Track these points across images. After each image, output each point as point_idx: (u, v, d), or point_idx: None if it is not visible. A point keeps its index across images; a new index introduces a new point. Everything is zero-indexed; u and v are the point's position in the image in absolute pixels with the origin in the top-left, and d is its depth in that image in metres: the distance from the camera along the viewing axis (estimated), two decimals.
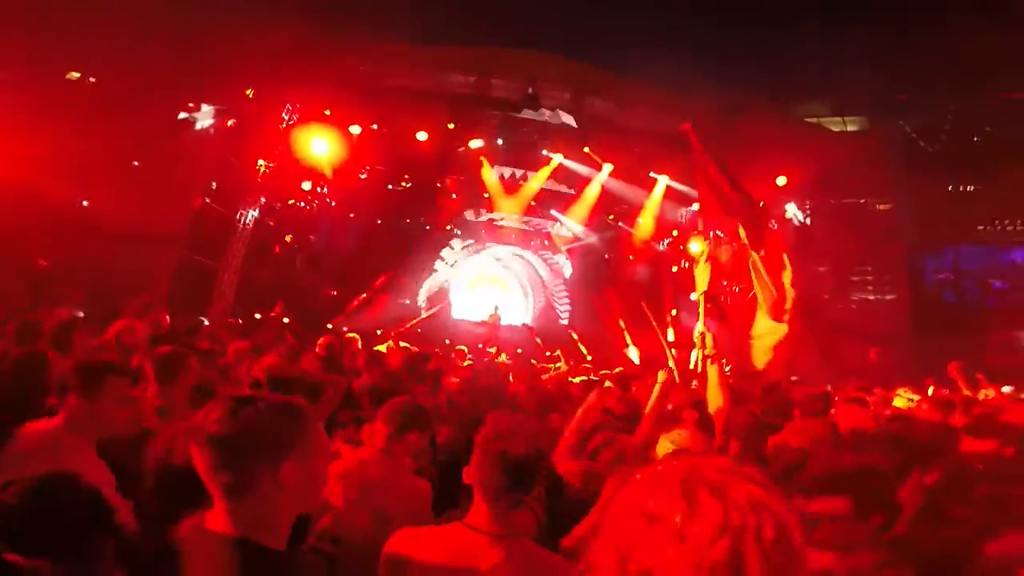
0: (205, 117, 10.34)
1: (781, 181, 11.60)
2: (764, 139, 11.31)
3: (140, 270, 8.32)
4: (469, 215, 14.00)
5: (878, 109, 12.52)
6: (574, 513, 2.06)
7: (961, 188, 12.83)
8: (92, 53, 7.97)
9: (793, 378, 8.88)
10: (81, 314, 5.14)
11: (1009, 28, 9.61)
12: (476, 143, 11.88)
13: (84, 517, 1.18)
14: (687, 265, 13.66)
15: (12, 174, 6.63)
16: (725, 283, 11.89)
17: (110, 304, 5.79)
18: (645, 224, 12.79)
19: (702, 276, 3.54)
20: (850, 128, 12.88)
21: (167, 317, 4.79)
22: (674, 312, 10.66)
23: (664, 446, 2.17)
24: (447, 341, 10.13)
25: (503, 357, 8.54)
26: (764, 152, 11.39)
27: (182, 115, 10.00)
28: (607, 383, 4.78)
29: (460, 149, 11.98)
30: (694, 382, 4.07)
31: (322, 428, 1.15)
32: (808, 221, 12.72)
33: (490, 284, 14.77)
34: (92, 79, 8.67)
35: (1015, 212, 12.44)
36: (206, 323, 5.90)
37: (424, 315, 11.72)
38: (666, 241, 13.83)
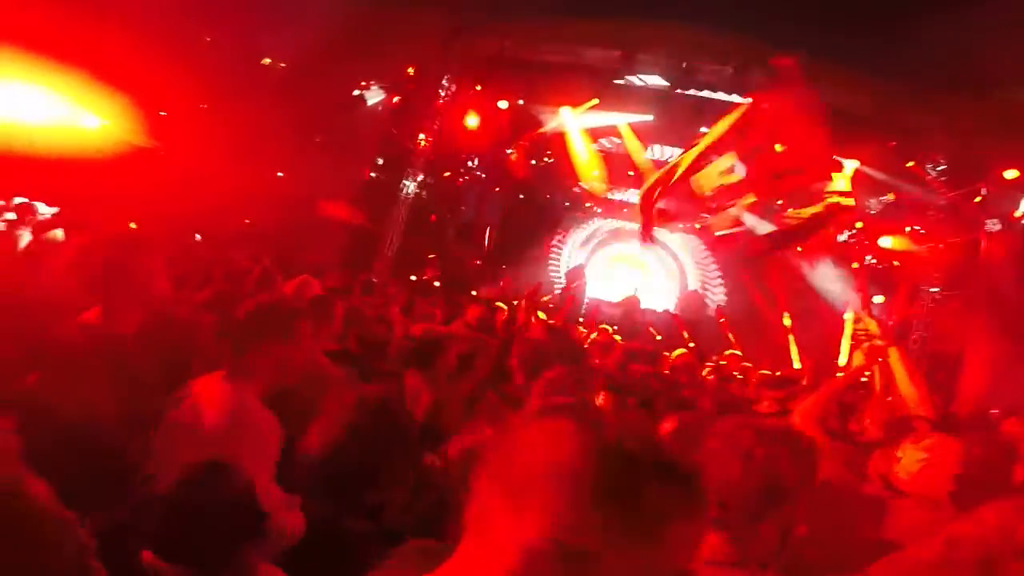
0: (375, 95, 11.33)
1: (1010, 175, 9.13)
2: (992, 125, 9.06)
3: (320, 233, 9.45)
4: (616, 194, 13.44)
5: None
6: None
7: None
8: (282, 40, 9.09)
9: (994, 411, 7.12)
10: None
11: None
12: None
13: (235, 526, 1.04)
14: (873, 261, 11.60)
15: (221, 148, 7.90)
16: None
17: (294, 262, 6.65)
18: None
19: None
20: None
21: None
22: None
23: (912, 456, 1.81)
24: (580, 319, 9.91)
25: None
26: (993, 140, 9.15)
27: (356, 93, 11.06)
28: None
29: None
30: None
31: None
32: None
33: (630, 265, 14.14)
34: (282, 64, 9.95)
35: None
36: (375, 281, 6.43)
37: (560, 292, 11.63)
38: (848, 232, 11.83)
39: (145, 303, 1.70)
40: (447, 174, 12.33)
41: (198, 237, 6.54)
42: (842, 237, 11.79)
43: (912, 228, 11.00)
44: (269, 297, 1.98)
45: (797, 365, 8.21)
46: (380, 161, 11.59)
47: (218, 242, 6.46)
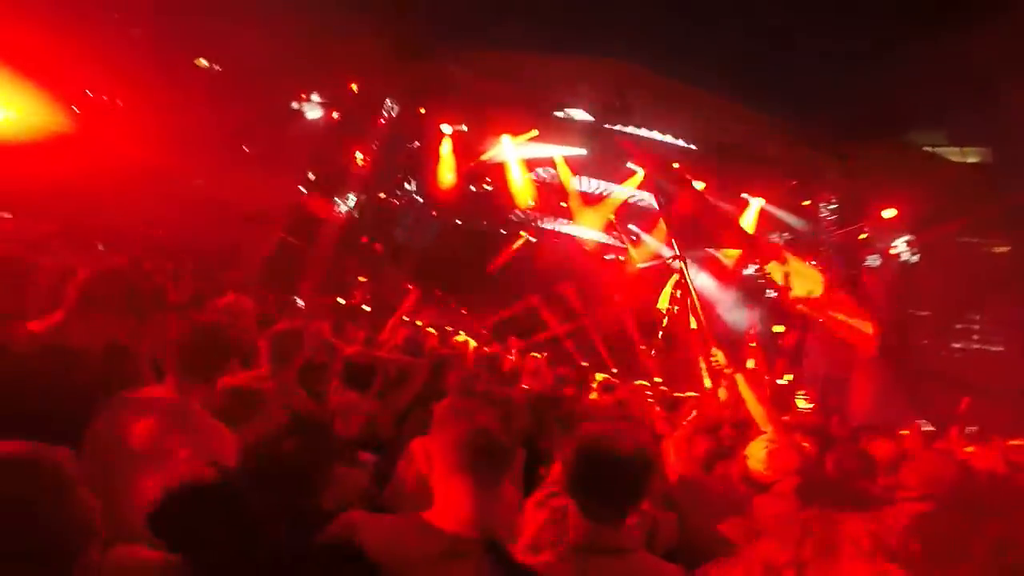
0: (313, 109, 11.05)
1: (887, 214, 10.50)
2: (876, 167, 10.41)
3: (240, 246, 8.94)
4: (548, 223, 13.91)
5: (1002, 141, 11.07)
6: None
7: None
8: (222, 42, 8.72)
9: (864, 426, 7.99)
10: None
11: None
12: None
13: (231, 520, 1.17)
14: (774, 294, 12.76)
15: (141, 149, 7.38)
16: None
17: (212, 276, 6.27)
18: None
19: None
20: (970, 160, 11.51)
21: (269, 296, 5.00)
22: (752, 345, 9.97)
23: (758, 447, 2.02)
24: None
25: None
26: (876, 182, 10.48)
27: (294, 105, 10.74)
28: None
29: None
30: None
31: None
32: (916, 259, 11.41)
33: None
34: (218, 67, 9.49)
35: None
36: (300, 303, 6.18)
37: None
38: (753, 267, 12.98)
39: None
40: (383, 195, 12.20)
41: (101, 247, 6.02)
42: (748, 271, 12.93)
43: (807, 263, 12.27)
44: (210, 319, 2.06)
45: (708, 385, 8.79)
46: (313, 177, 11.24)
47: (125, 253, 5.96)
